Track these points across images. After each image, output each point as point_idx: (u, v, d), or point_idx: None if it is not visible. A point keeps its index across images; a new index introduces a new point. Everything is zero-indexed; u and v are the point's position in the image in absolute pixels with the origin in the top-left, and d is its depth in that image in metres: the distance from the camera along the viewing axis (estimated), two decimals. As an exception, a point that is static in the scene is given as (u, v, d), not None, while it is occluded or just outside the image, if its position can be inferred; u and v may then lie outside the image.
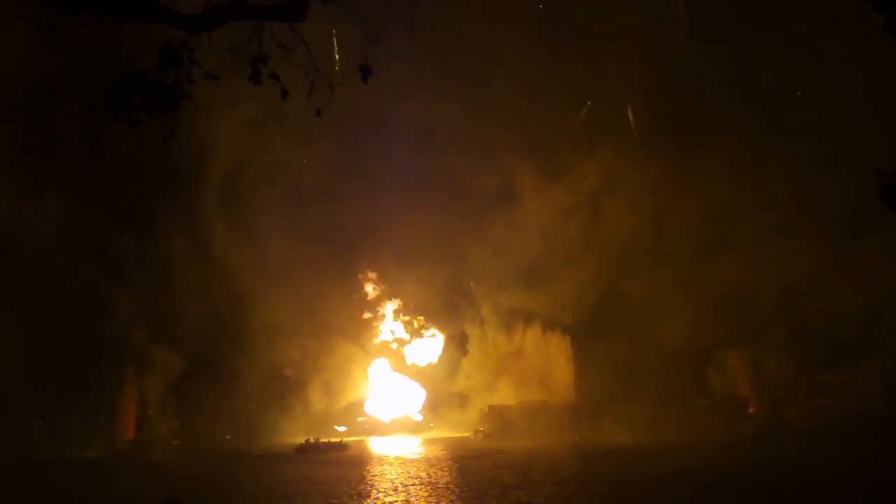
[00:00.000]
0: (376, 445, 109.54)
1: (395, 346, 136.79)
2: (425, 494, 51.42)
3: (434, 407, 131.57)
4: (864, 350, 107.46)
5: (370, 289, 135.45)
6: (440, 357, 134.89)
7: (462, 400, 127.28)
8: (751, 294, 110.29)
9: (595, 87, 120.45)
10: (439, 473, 66.76)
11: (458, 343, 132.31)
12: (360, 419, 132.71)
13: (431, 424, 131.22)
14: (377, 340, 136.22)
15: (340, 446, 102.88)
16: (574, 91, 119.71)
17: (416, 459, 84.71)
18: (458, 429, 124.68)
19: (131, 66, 11.74)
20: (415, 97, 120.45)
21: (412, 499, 49.63)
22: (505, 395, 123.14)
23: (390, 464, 79.12)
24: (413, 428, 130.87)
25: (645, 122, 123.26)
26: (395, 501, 48.39)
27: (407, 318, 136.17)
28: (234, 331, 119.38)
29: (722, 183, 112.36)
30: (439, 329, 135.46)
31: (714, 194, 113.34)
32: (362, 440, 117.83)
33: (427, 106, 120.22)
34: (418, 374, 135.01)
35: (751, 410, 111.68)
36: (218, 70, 11.93)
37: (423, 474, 67.18)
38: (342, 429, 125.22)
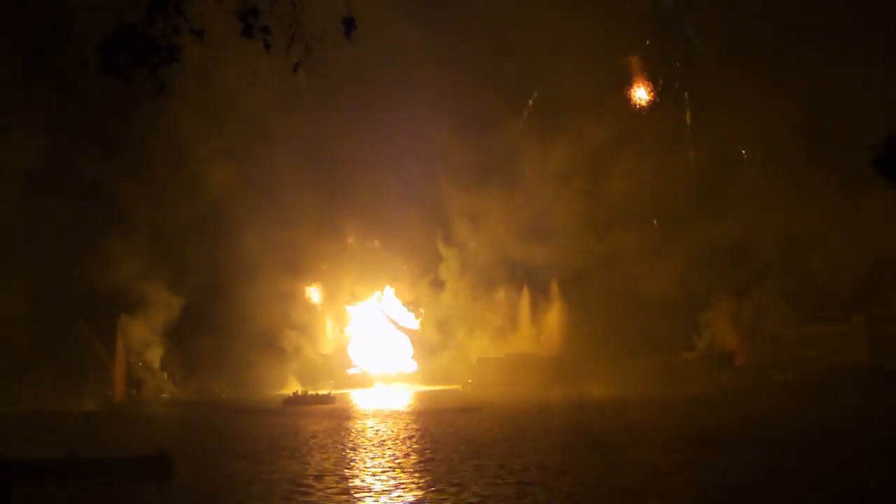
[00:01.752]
0: (364, 398, 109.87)
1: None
2: (417, 447, 51.72)
3: (421, 359, 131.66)
4: (852, 303, 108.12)
5: None
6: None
7: (443, 347, 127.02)
8: (741, 247, 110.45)
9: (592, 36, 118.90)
10: (430, 426, 67.09)
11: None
12: (349, 370, 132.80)
13: (418, 377, 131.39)
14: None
15: (327, 398, 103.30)
16: (574, 43, 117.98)
17: (405, 412, 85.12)
18: (447, 381, 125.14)
19: (120, 20, 11.59)
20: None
21: (408, 451, 49.97)
22: (493, 347, 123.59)
23: (380, 417, 79.43)
24: (401, 380, 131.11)
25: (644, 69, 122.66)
26: (394, 454, 48.65)
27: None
28: (224, 281, 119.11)
29: (718, 131, 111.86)
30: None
31: (710, 144, 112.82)
32: (349, 392, 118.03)
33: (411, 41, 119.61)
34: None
35: (737, 363, 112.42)
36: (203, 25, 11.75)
37: (415, 426, 67.62)
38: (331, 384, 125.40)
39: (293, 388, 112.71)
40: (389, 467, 42.57)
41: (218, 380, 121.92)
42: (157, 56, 11.48)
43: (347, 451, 51.51)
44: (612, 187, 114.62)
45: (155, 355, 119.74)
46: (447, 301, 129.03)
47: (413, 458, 46.41)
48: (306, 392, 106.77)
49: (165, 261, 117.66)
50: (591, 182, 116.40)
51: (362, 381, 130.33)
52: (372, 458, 46.92)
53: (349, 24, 11.85)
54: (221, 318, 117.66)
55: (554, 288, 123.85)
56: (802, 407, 73.96)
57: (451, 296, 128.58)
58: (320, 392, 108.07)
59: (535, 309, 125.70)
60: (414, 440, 56.51)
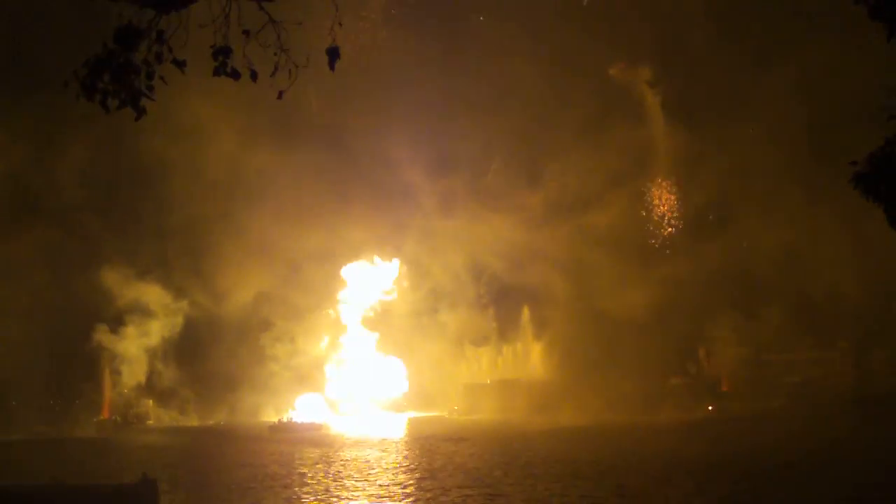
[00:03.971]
0: (349, 425, 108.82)
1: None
2: (412, 476, 51.64)
3: (410, 386, 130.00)
4: (838, 329, 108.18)
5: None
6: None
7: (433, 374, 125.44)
8: (731, 274, 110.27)
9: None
10: (419, 455, 66.83)
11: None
12: (333, 397, 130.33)
13: (403, 403, 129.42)
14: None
15: (314, 426, 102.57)
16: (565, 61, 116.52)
17: (393, 440, 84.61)
18: (432, 406, 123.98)
19: (104, 47, 11.62)
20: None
21: (400, 480, 49.94)
22: (480, 372, 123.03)
23: (368, 445, 78.86)
24: (386, 406, 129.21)
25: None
26: (386, 483, 48.63)
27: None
28: (209, 314, 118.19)
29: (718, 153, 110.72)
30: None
31: (706, 168, 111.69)
32: (334, 419, 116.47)
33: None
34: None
35: (725, 389, 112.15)
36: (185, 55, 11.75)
37: (404, 455, 67.37)
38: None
39: (279, 414, 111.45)
40: (382, 496, 42.59)
41: (205, 405, 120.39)
42: (136, 83, 11.46)
43: (340, 480, 51.34)
44: (604, 210, 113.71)
45: (140, 378, 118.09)
46: (401, 311, 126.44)
47: (408, 488, 46.42)
48: (291, 419, 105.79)
49: (149, 283, 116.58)
50: (581, 205, 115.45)
51: (347, 408, 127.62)
52: (366, 487, 46.88)
53: (333, 55, 11.86)
54: (207, 341, 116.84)
55: (528, 313, 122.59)
56: (792, 434, 73.89)
57: (406, 306, 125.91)
58: (305, 420, 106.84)
59: (510, 330, 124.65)
60: (404, 469, 56.37)
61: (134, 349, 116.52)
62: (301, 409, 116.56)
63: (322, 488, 47.45)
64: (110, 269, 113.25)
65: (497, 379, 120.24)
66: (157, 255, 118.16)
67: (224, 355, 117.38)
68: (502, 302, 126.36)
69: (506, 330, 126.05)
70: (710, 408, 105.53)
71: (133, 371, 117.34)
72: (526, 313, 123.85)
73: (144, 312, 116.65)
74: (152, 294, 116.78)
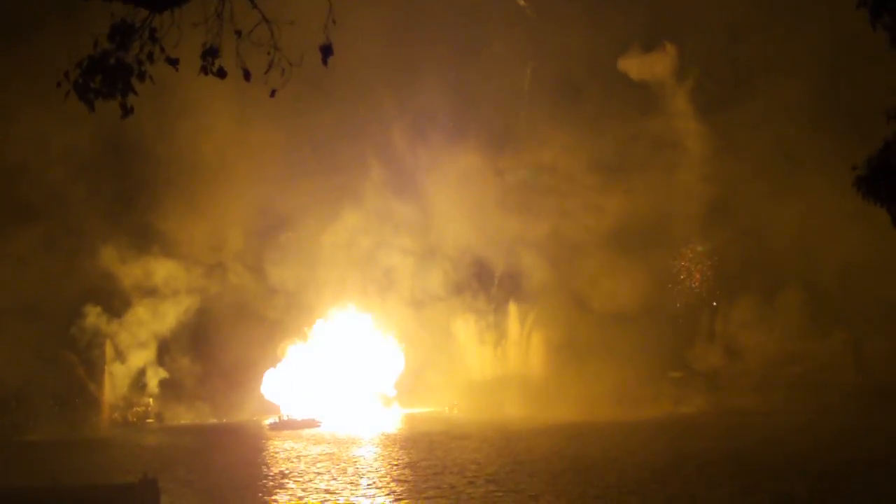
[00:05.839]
0: (347, 420, 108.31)
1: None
2: (426, 475, 51.71)
3: (405, 380, 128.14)
4: (835, 318, 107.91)
5: None
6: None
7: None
8: (731, 264, 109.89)
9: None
10: (422, 453, 66.72)
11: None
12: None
13: (400, 398, 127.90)
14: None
15: (313, 422, 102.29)
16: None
17: (394, 437, 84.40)
18: (429, 402, 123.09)
19: (95, 47, 11.53)
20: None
21: (404, 477, 50.03)
22: (478, 368, 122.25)
23: (369, 442, 78.83)
24: (383, 401, 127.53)
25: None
26: (390, 481, 48.67)
27: None
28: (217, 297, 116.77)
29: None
30: None
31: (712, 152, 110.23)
32: (330, 414, 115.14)
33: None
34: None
35: (723, 383, 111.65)
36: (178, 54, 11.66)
37: (407, 452, 67.23)
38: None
39: (276, 411, 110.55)
40: (389, 493, 42.69)
41: (219, 401, 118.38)
42: (125, 83, 11.37)
43: (348, 477, 51.40)
44: (608, 198, 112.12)
45: (135, 369, 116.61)
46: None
47: (408, 485, 46.53)
48: (290, 416, 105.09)
49: (156, 259, 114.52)
50: (586, 193, 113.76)
51: (343, 403, 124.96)
52: (377, 484, 47.00)
53: (326, 52, 11.78)
54: (215, 328, 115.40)
55: (524, 305, 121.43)
56: (795, 428, 73.76)
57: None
58: (305, 416, 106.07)
59: (523, 330, 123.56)
60: (412, 466, 56.44)
61: (135, 339, 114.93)
62: (273, 398, 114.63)
63: (330, 486, 47.39)
64: (111, 249, 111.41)
65: (494, 374, 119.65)
66: (153, 232, 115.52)
67: (230, 343, 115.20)
68: (496, 293, 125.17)
69: (501, 322, 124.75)
70: (709, 402, 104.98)
71: (129, 368, 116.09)
72: (518, 309, 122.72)
73: (151, 297, 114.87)
74: (160, 271, 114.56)
